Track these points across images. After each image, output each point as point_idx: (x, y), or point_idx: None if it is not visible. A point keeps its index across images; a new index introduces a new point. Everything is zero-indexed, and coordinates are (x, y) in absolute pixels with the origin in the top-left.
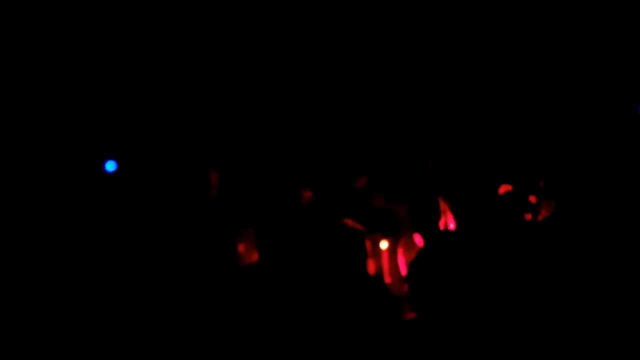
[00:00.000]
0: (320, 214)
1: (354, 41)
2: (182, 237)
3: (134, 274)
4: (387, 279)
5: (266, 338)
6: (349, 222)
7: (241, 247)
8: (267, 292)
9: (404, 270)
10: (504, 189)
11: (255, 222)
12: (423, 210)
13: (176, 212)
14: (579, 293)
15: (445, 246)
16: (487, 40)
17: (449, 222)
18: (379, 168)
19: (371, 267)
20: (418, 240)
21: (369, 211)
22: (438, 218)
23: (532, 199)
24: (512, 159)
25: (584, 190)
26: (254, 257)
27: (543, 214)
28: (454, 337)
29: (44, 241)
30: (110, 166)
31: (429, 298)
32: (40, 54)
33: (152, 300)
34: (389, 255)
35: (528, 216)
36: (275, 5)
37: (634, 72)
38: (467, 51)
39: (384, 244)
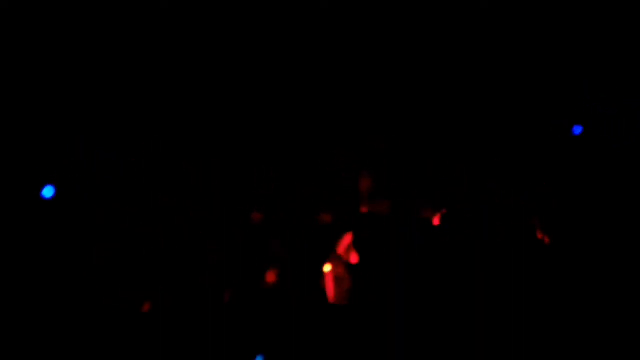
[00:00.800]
0: (320, 215)
1: (353, 41)
2: (182, 237)
3: (134, 274)
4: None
5: (266, 338)
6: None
7: (243, 247)
8: (266, 292)
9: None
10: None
11: (255, 222)
12: (422, 209)
13: (176, 212)
14: (579, 293)
15: (444, 246)
16: (487, 40)
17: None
18: (379, 168)
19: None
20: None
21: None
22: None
23: (532, 199)
24: (512, 159)
25: (584, 190)
26: (255, 257)
27: (543, 215)
28: (453, 337)
29: (43, 241)
30: (48, 192)
31: (428, 298)
32: (40, 53)
33: (152, 301)
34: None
35: (529, 218)
36: (275, 5)
37: (634, 73)
38: (467, 51)
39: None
